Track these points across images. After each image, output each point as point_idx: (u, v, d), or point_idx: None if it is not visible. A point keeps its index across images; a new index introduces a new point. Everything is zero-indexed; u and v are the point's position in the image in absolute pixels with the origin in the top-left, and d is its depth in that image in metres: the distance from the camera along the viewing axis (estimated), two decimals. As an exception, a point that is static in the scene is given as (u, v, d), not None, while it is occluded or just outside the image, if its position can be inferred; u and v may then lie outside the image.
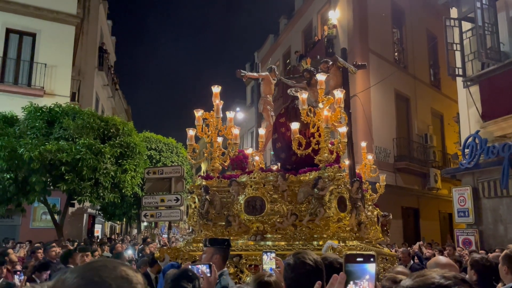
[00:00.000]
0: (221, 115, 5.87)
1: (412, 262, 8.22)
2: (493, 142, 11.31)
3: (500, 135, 11.35)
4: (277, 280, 2.34)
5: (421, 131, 18.94)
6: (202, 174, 6.26)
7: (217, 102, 5.78)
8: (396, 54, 19.51)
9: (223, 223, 5.55)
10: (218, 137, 6.02)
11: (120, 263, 1.04)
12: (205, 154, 6.06)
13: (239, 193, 5.36)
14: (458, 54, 12.88)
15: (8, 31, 16.81)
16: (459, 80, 13.01)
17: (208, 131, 5.86)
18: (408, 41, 19.67)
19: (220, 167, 6.04)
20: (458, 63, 12.83)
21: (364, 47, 17.04)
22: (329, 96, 5.56)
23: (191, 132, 5.82)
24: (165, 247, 6.19)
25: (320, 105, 5.40)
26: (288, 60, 22.75)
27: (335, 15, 18.09)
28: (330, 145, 5.42)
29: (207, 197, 5.49)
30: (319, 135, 5.38)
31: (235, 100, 33.94)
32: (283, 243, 5.09)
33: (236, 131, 5.94)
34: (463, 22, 12.69)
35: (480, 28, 11.52)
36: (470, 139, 11.92)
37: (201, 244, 5.29)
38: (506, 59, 11.38)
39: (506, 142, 10.84)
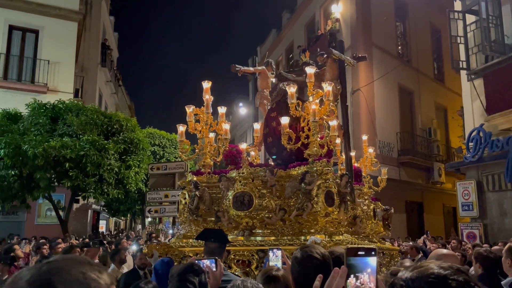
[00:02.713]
0: (211, 110, 5.82)
1: (419, 255, 8.21)
2: (498, 136, 11.26)
3: (505, 128, 11.30)
4: (285, 275, 2.35)
5: (425, 125, 18.89)
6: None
7: (207, 97, 5.72)
8: (399, 47, 19.42)
9: (213, 218, 5.54)
10: (210, 133, 5.99)
11: (80, 262, 0.92)
12: (197, 150, 6.01)
13: (228, 188, 5.34)
14: (462, 47, 12.80)
15: (11, 28, 16.85)
16: (463, 73, 12.94)
17: (199, 127, 5.83)
18: (412, 35, 19.56)
19: (212, 163, 6.00)
20: (462, 56, 12.77)
21: (367, 41, 16.97)
22: (318, 90, 5.51)
23: (181, 128, 5.80)
24: (154, 243, 6.18)
25: (310, 98, 5.35)
26: (291, 55, 22.68)
27: (338, 9, 18.01)
28: (319, 139, 5.38)
29: (197, 193, 5.46)
30: (309, 129, 5.34)
31: (237, 96, 33.97)
32: (272, 238, 5.08)
33: (226, 126, 5.88)
34: (467, 15, 12.60)
35: (484, 20, 11.45)
36: (474, 133, 11.87)
37: (191, 240, 5.26)
38: (511, 52, 11.30)
39: (511, 136, 10.79)
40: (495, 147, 11.13)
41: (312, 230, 5.00)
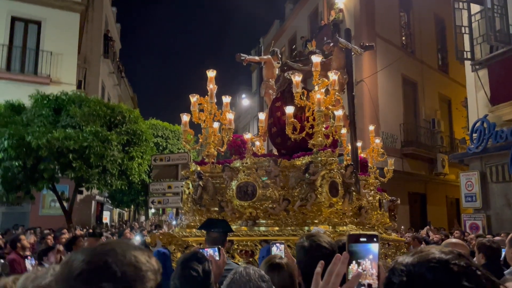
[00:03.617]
0: (215, 100, 5.78)
1: (422, 246, 8.21)
2: (502, 127, 11.21)
3: (509, 119, 11.24)
4: (288, 262, 2.34)
5: (429, 116, 18.80)
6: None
7: (211, 87, 5.67)
8: (403, 38, 19.26)
9: (217, 208, 5.54)
10: (214, 123, 5.95)
11: (132, 247, 0.99)
12: (200, 140, 5.98)
13: (232, 178, 5.33)
14: (466, 37, 12.70)
15: (14, 19, 16.81)
16: (468, 63, 12.85)
17: (203, 117, 5.79)
18: (416, 25, 19.40)
19: (216, 153, 5.98)
20: (467, 47, 12.66)
21: (371, 31, 16.84)
22: (324, 79, 5.46)
23: (185, 118, 5.75)
24: (157, 232, 6.18)
25: (316, 87, 5.31)
26: (294, 46, 22.56)
27: (342, -1, 17.86)
28: (324, 129, 5.35)
29: (200, 182, 5.44)
30: (314, 119, 5.31)
31: (240, 86, 33.89)
32: (276, 228, 5.07)
33: (230, 115, 5.85)
34: (471, 5, 12.48)
35: (489, 10, 11.34)
36: (478, 124, 11.81)
37: (194, 230, 5.27)
38: (516, 42, 11.20)
39: (515, 126, 10.74)
40: (499, 138, 11.08)
41: (316, 221, 5.01)
